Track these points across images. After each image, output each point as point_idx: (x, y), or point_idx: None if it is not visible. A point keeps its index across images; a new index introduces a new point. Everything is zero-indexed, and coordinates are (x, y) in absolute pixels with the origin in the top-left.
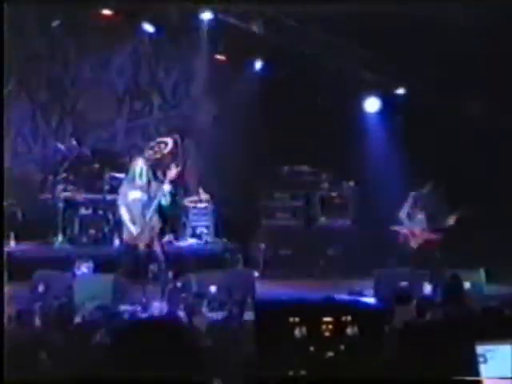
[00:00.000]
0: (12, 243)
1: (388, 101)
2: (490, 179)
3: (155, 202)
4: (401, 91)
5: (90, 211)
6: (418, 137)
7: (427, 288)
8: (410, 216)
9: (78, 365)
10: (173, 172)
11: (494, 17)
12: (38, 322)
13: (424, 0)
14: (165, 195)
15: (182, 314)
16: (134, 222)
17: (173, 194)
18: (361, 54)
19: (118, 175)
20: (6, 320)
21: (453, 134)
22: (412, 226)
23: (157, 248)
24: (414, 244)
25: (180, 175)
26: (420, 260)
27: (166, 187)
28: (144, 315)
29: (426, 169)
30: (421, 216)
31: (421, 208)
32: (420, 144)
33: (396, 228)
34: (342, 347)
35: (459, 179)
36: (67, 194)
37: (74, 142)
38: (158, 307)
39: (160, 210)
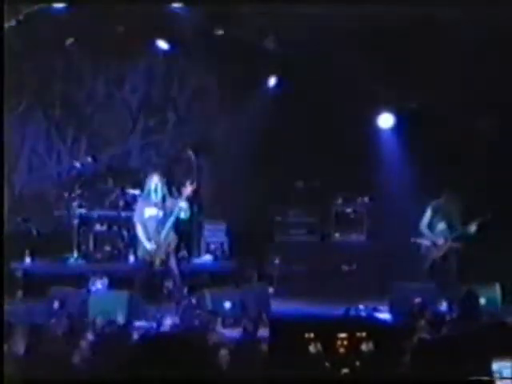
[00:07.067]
0: (27, 260)
1: (401, 116)
2: (504, 190)
3: (171, 219)
4: (414, 105)
5: (104, 228)
6: (431, 151)
7: (443, 303)
8: (430, 227)
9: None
10: (188, 189)
11: (509, 31)
12: (51, 338)
13: (437, 14)
14: (183, 210)
15: (196, 330)
16: (149, 239)
17: (191, 210)
18: (374, 69)
19: (132, 192)
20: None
21: (466, 146)
22: (434, 236)
23: (172, 264)
24: (436, 255)
25: (195, 192)
26: (443, 271)
27: (183, 204)
28: (159, 331)
29: (440, 184)
30: (442, 226)
31: (441, 217)
32: (433, 158)
33: (418, 240)
34: (357, 363)
35: (473, 194)
36: (82, 210)
37: (90, 159)
38: (172, 323)
39: (176, 226)
